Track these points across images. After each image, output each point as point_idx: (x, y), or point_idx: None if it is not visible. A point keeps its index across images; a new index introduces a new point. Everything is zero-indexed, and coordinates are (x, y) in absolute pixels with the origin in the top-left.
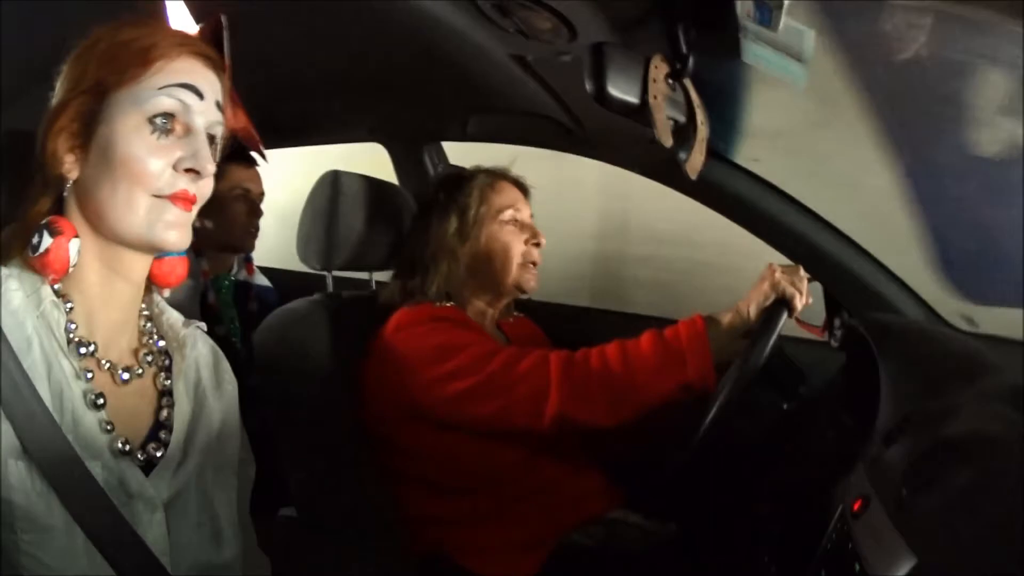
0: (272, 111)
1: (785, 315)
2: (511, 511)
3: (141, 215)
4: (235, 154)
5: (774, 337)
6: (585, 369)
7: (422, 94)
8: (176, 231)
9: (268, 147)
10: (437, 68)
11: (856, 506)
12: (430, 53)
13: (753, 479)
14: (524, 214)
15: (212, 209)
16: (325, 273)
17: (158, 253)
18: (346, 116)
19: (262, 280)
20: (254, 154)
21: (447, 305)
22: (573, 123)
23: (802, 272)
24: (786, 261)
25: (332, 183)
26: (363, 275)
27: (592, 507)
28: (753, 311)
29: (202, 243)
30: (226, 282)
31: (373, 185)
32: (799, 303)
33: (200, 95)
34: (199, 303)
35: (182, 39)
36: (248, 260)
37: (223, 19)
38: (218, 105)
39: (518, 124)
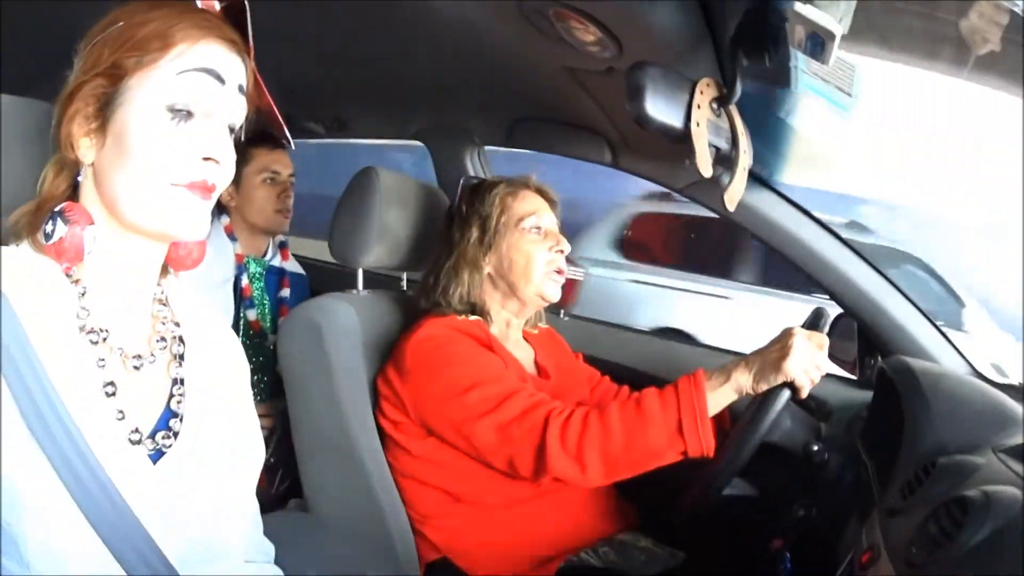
0: (321, 105)
1: (788, 396)
2: (521, 526)
3: (157, 204)
4: (261, 137)
5: (772, 417)
6: (580, 434)
7: (469, 99)
8: (193, 220)
9: (313, 139)
10: (485, 74)
11: (865, 558)
12: (479, 60)
13: (767, 516)
14: (547, 221)
15: (241, 193)
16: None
17: (178, 240)
18: (392, 115)
19: (296, 267)
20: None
21: (471, 319)
22: (618, 138)
23: (823, 347)
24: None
25: (369, 180)
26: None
27: (603, 527)
28: (759, 387)
29: (235, 227)
30: (259, 267)
31: (410, 185)
32: (806, 392)
33: (221, 80)
34: (232, 286)
35: (204, 22)
36: (283, 246)
37: (245, 1)
38: (240, 90)
39: (562, 134)
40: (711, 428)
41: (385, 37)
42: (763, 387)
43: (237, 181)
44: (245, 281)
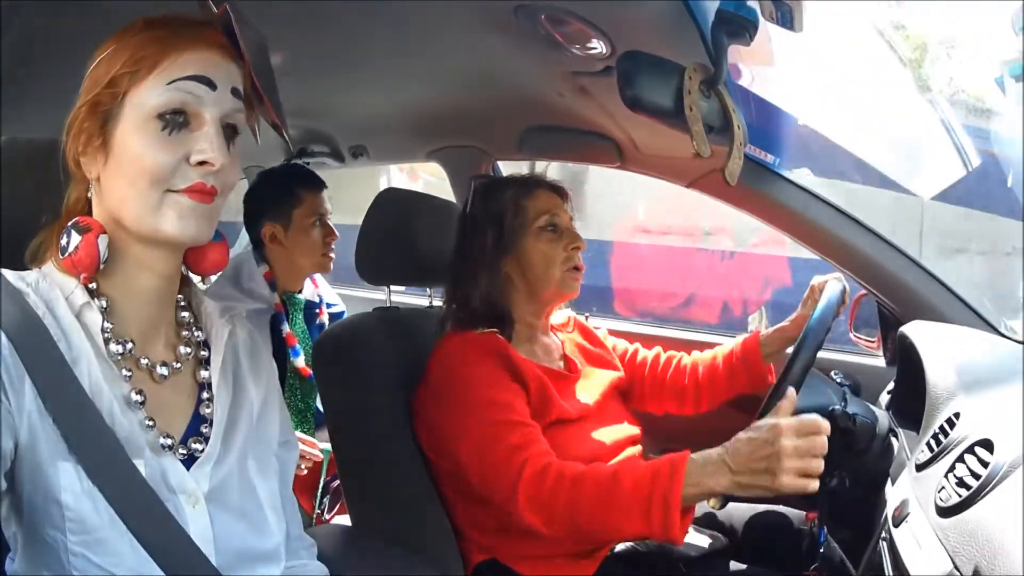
0: (342, 136)
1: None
2: None
3: (157, 211)
4: (310, 179)
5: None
6: (553, 491)
7: (478, 115)
8: (194, 224)
9: (334, 167)
10: (490, 89)
11: (897, 511)
12: (483, 76)
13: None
14: (562, 219)
15: (290, 236)
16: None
17: (185, 246)
18: (405, 139)
19: (330, 295)
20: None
21: (487, 332)
22: (624, 139)
23: (822, 434)
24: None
25: (391, 199)
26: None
27: None
28: (743, 494)
29: (278, 266)
30: (298, 304)
31: (429, 202)
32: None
33: (212, 85)
34: (270, 333)
35: (192, 32)
36: (312, 278)
37: (227, 8)
38: (235, 92)
39: (570, 140)
40: (680, 520)
41: (390, 64)
42: (748, 494)
43: (286, 223)
44: (287, 329)
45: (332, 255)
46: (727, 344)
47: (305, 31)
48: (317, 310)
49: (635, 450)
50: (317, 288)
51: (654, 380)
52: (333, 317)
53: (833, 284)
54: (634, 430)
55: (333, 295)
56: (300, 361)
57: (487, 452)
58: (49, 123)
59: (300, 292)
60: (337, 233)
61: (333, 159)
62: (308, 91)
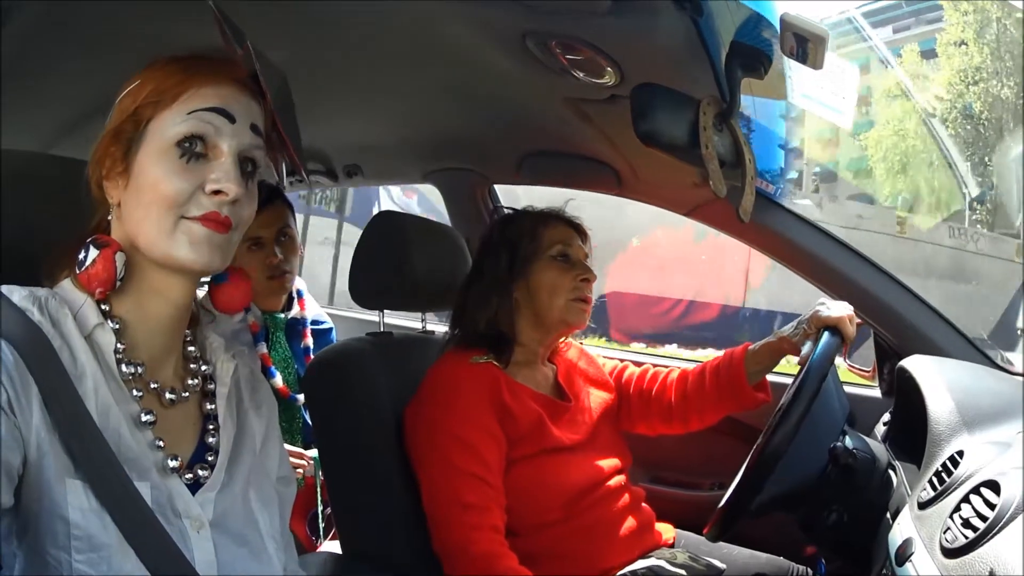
0: (331, 154)
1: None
2: (554, 550)
3: (171, 236)
4: None
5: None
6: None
7: (476, 138)
8: (206, 252)
9: (327, 185)
10: (491, 112)
11: (901, 550)
12: (484, 98)
13: (799, 524)
14: (575, 251)
15: (241, 263)
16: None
17: (206, 277)
18: (403, 159)
19: (319, 315)
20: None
21: (483, 361)
22: (624, 166)
23: None
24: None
25: (386, 222)
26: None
27: (639, 547)
28: None
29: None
30: (278, 323)
31: (424, 225)
32: None
33: (231, 118)
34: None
35: (217, 66)
36: (299, 295)
37: (248, 45)
38: (254, 128)
39: (569, 166)
40: None
41: (390, 81)
42: None
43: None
44: (264, 349)
45: (283, 277)
46: (716, 357)
47: (300, 42)
48: (302, 329)
49: (620, 478)
50: (304, 310)
51: (640, 396)
52: (320, 334)
53: (827, 336)
54: (622, 458)
55: (320, 313)
56: (278, 381)
57: (440, 500)
58: (41, 137)
59: (286, 312)
60: (279, 255)
61: (327, 178)
62: (301, 105)
